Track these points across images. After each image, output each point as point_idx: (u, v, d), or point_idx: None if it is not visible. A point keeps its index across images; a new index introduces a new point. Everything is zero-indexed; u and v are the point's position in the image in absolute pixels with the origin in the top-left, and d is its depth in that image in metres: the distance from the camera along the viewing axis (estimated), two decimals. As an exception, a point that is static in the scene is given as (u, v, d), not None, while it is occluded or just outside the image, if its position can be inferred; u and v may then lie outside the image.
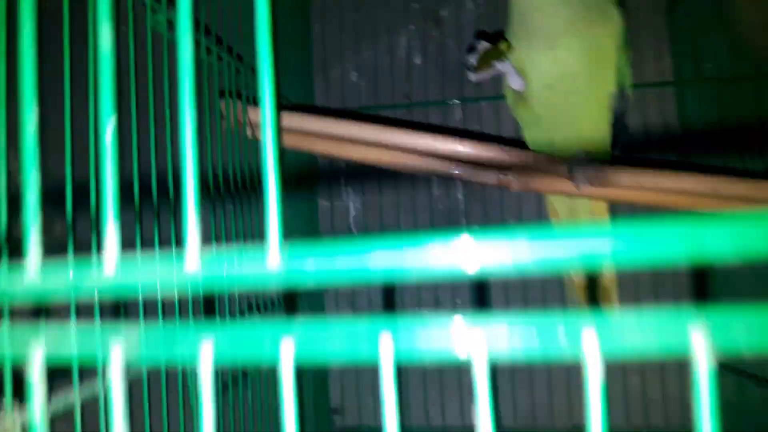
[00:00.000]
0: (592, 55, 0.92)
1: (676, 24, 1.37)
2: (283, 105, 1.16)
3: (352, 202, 1.51)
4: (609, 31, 0.92)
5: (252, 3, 0.23)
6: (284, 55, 1.27)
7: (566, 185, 0.94)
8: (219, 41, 0.85)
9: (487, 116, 1.46)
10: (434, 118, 1.49)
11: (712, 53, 1.21)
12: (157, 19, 0.65)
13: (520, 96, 0.99)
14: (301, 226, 1.30)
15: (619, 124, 1.00)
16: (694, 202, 0.92)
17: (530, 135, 1.05)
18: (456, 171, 0.95)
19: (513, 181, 0.95)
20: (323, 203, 1.51)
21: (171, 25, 0.66)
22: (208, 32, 0.83)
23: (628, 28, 0.97)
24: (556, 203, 1.10)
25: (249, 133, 0.95)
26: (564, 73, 0.93)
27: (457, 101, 1.47)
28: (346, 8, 1.52)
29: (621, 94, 0.98)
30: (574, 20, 0.90)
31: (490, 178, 0.95)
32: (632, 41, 1.37)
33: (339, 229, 1.50)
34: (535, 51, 0.93)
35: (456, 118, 1.49)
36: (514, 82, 0.97)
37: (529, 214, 1.40)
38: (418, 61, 1.51)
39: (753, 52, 1.11)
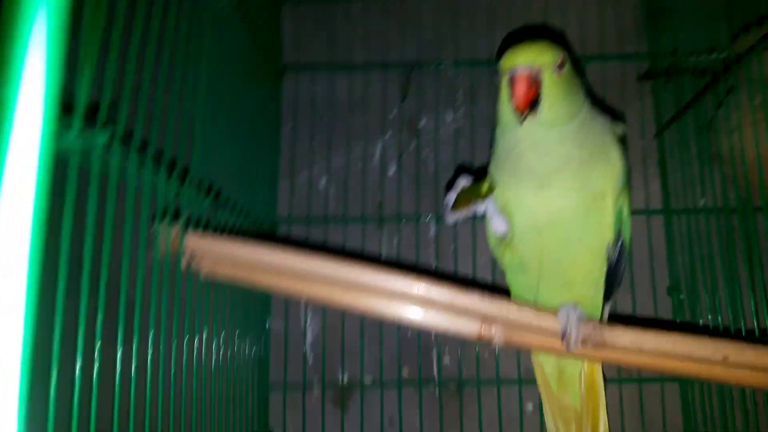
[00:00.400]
0: (587, 199, 0.82)
1: (664, 150, 1.31)
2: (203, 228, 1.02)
3: (310, 326, 1.36)
4: (608, 174, 0.82)
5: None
6: (249, 155, 1.14)
7: (556, 344, 0.81)
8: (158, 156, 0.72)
9: (462, 235, 1.35)
10: (407, 233, 1.37)
11: (701, 181, 1.13)
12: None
13: (504, 237, 0.88)
14: (249, 350, 1.13)
15: (613, 275, 0.88)
16: (699, 368, 0.81)
17: (515, 281, 0.93)
18: (428, 321, 0.82)
19: (495, 336, 0.82)
20: (276, 324, 1.35)
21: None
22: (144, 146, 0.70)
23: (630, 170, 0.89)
24: (543, 359, 0.97)
25: (186, 262, 0.80)
26: (555, 216, 0.82)
27: (431, 218, 1.36)
28: (320, 110, 1.42)
29: (617, 243, 0.87)
30: (569, 159, 0.80)
31: (468, 329, 0.82)
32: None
33: (292, 355, 1.33)
34: (524, 190, 0.82)
35: (429, 235, 1.37)
36: (496, 226, 0.86)
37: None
38: (392, 171, 1.41)
39: (739, 184, 1.05)
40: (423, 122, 1.42)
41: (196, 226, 0.84)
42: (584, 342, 0.79)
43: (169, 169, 0.72)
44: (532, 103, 0.75)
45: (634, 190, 1.33)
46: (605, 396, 0.95)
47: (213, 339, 0.91)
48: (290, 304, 1.34)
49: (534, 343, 0.83)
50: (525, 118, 0.76)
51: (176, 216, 0.77)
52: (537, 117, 0.76)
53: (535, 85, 0.75)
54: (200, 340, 0.84)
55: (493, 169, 0.88)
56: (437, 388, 1.31)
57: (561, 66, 0.77)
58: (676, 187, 1.25)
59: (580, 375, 0.94)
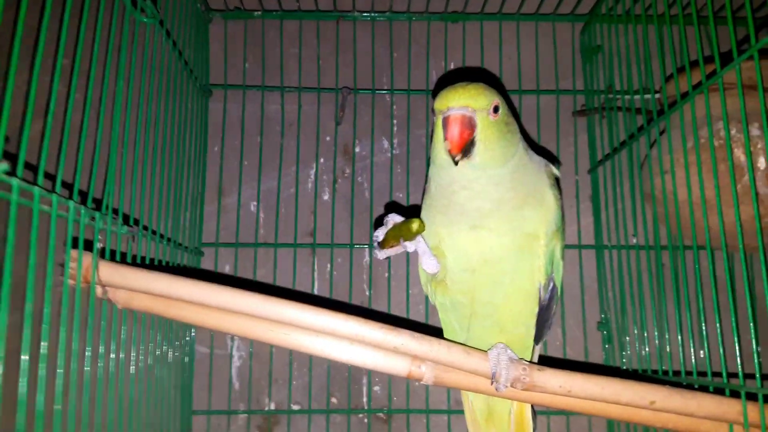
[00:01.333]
0: (520, 241, 0.81)
1: (597, 186, 1.32)
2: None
3: (237, 351, 1.30)
4: (541, 217, 0.82)
5: None
6: (173, 178, 1.09)
7: (486, 385, 0.79)
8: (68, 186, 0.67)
9: (397, 262, 1.33)
10: (340, 259, 1.33)
11: (633, 218, 1.15)
12: None
13: (435, 276, 0.86)
14: (170, 376, 1.08)
15: (544, 317, 0.88)
16: (626, 412, 0.81)
17: (446, 320, 0.92)
18: (358, 358, 0.79)
19: (425, 375, 0.80)
20: (201, 350, 1.29)
21: None
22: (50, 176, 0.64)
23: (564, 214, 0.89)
24: (472, 396, 0.95)
25: (99, 292, 0.74)
26: (488, 257, 0.82)
27: (364, 245, 1.33)
28: (250, 131, 1.37)
29: (549, 285, 0.86)
30: (502, 201, 0.79)
31: (398, 368, 0.80)
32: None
33: (218, 381, 1.27)
34: (456, 230, 0.81)
35: (363, 262, 1.34)
36: (427, 265, 0.83)
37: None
38: (326, 196, 1.37)
39: (670, 223, 1.07)
40: (358, 148, 1.39)
41: (112, 255, 0.78)
42: (514, 384, 0.77)
43: (81, 196, 0.66)
44: (467, 146, 0.74)
45: (567, 224, 1.34)
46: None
47: (131, 365, 0.87)
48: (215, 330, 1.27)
49: (464, 383, 0.82)
50: (458, 160, 0.75)
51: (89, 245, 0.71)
52: (471, 160, 0.75)
53: (469, 127, 0.74)
54: (116, 366, 0.79)
55: (426, 207, 0.86)
56: (366, 416, 1.27)
57: (495, 110, 0.76)
58: (609, 223, 1.26)
59: (510, 413, 0.93)
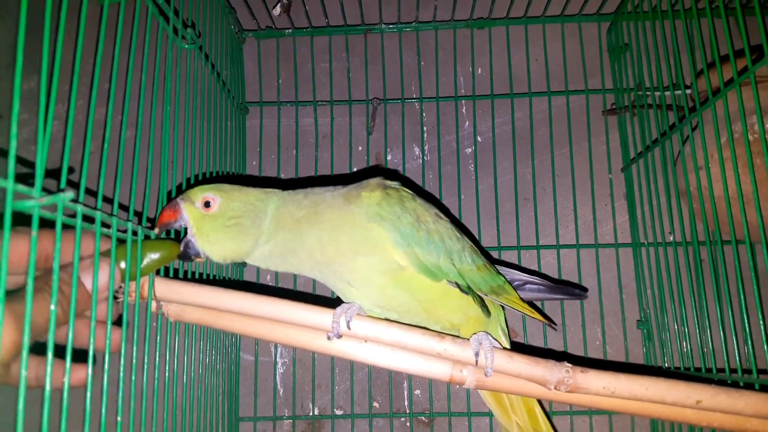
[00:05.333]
0: (390, 277, 0.82)
1: (631, 184, 1.32)
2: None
3: (281, 358, 1.34)
4: (382, 253, 0.81)
5: None
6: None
7: (527, 387, 0.81)
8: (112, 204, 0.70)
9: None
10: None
11: (669, 215, 1.15)
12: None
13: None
14: (218, 383, 1.12)
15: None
16: (671, 412, 0.81)
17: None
18: (400, 364, 0.81)
19: (467, 378, 0.82)
20: (246, 357, 1.33)
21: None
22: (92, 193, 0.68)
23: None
24: (492, 396, 0.97)
25: (154, 307, 0.78)
26: (379, 300, 0.84)
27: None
28: (286, 145, 1.41)
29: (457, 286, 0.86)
30: (339, 260, 0.81)
31: (440, 372, 0.81)
32: (585, 200, 1.33)
33: (263, 388, 1.31)
34: (343, 289, 0.84)
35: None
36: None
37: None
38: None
39: (707, 219, 1.06)
40: (390, 156, 1.41)
41: (165, 271, 0.82)
42: (558, 386, 0.78)
43: (137, 216, 0.70)
44: (187, 249, 0.80)
45: (603, 223, 1.34)
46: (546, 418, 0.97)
47: (183, 372, 0.91)
48: (260, 339, 1.31)
49: (506, 386, 0.82)
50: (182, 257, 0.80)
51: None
52: (202, 255, 0.80)
53: (173, 211, 0.79)
54: (170, 373, 0.83)
55: None
56: (408, 420, 1.29)
57: (207, 204, 0.79)
58: (644, 221, 1.26)
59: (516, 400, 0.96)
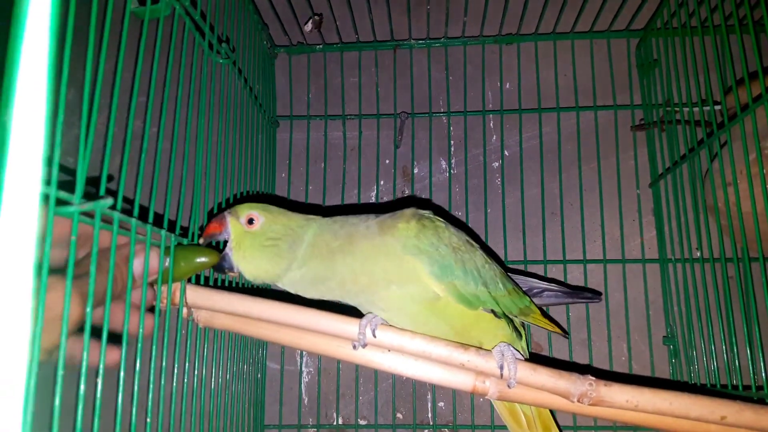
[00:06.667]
0: (426, 307, 0.82)
1: (659, 199, 1.32)
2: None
3: (306, 368, 1.35)
4: (419, 285, 0.81)
5: None
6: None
7: (549, 399, 0.81)
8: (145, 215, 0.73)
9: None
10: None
11: (697, 231, 1.14)
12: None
13: None
14: (245, 391, 1.14)
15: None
16: (695, 427, 0.81)
17: None
18: (424, 373, 0.82)
19: (490, 389, 0.82)
20: (272, 366, 1.35)
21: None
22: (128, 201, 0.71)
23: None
24: (509, 413, 0.98)
25: (185, 313, 0.81)
26: (411, 325, 0.83)
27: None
28: (315, 158, 1.44)
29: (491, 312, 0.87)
30: (372, 289, 0.81)
31: (463, 383, 0.82)
32: (612, 216, 1.32)
33: (288, 397, 1.33)
34: (381, 315, 0.84)
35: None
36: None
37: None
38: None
39: (735, 236, 1.05)
40: (417, 169, 1.43)
41: (196, 278, 0.85)
42: (581, 399, 0.78)
43: (170, 225, 0.73)
44: (223, 263, 0.82)
45: (630, 239, 1.34)
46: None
47: (212, 380, 0.94)
48: (287, 347, 1.33)
49: (528, 397, 0.83)
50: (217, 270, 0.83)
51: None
52: (236, 270, 0.82)
53: (220, 224, 0.82)
54: (199, 381, 0.85)
55: None
56: (432, 431, 1.30)
57: (251, 222, 0.82)
58: (672, 237, 1.25)
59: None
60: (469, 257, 0.84)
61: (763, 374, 0.93)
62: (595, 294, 1.13)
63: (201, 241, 0.82)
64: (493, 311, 0.86)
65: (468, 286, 0.82)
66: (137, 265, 0.66)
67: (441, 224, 0.85)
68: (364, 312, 0.86)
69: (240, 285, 1.10)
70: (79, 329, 0.54)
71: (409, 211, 0.86)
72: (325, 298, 0.85)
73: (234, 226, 0.82)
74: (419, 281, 0.81)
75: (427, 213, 0.87)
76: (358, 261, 0.80)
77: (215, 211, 0.98)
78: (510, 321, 0.90)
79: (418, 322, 0.83)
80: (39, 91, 0.28)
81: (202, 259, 0.75)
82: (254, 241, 0.81)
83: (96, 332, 0.56)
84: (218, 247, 0.83)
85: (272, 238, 0.81)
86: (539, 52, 1.41)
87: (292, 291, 0.85)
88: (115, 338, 0.61)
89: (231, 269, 0.82)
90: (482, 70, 1.44)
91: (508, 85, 1.44)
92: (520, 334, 0.92)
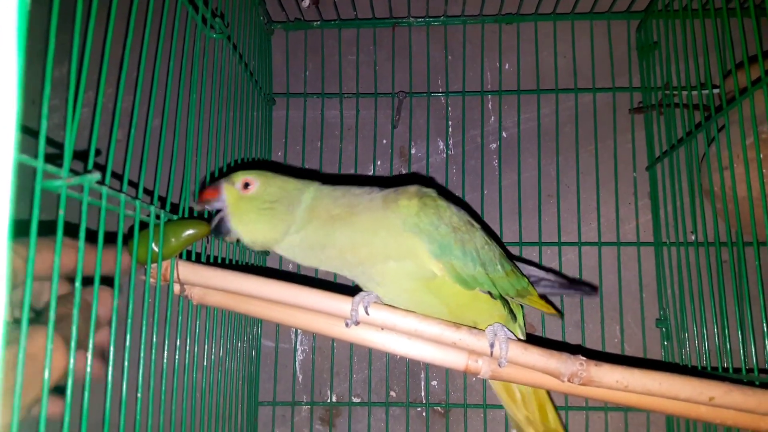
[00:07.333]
0: (419, 285, 0.83)
1: (655, 183, 1.31)
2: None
3: (300, 346, 1.36)
4: (415, 262, 0.82)
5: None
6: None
7: (541, 379, 0.81)
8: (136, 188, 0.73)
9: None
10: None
11: (692, 215, 1.14)
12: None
13: None
14: (239, 367, 1.15)
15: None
16: (684, 408, 0.81)
17: None
18: (416, 352, 0.83)
19: (482, 368, 0.83)
20: (267, 344, 1.36)
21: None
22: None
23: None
24: (505, 391, 0.98)
25: (177, 290, 0.81)
26: (407, 301, 0.84)
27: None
28: (311, 136, 1.43)
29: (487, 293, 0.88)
30: (370, 262, 0.81)
31: (455, 362, 0.83)
32: (608, 198, 1.32)
33: (282, 374, 1.34)
34: (373, 288, 0.84)
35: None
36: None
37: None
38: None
39: (730, 220, 1.05)
40: (414, 150, 1.42)
41: (188, 254, 0.85)
42: (571, 378, 0.79)
43: (161, 201, 0.72)
44: (220, 225, 0.81)
45: (626, 221, 1.34)
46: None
47: (204, 356, 0.94)
48: (281, 325, 1.34)
49: (520, 377, 0.83)
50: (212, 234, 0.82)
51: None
52: (233, 234, 0.82)
53: (214, 190, 0.82)
54: (191, 357, 0.85)
55: None
56: (425, 410, 1.31)
57: (246, 186, 0.82)
58: (667, 220, 1.25)
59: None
60: (468, 238, 0.84)
61: (754, 357, 0.93)
62: (592, 288, 1.13)
63: (196, 206, 0.82)
64: (489, 292, 0.86)
65: (466, 266, 0.82)
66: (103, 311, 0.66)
67: (443, 204, 0.85)
68: (360, 286, 0.86)
69: (234, 262, 1.10)
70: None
71: (412, 188, 0.85)
72: (322, 268, 0.86)
73: (229, 192, 0.81)
74: (417, 258, 0.81)
75: (430, 191, 0.87)
76: (358, 232, 0.81)
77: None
78: (506, 302, 0.90)
79: (413, 300, 0.83)
80: (8, 55, 0.27)
81: (191, 231, 0.75)
82: (251, 204, 0.81)
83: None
84: (209, 220, 0.83)
85: (269, 201, 0.81)
86: (539, 32, 1.40)
87: (291, 257, 0.85)
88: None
89: (228, 233, 0.81)
90: (481, 49, 1.43)
91: (507, 66, 1.43)
92: (514, 316, 0.93)
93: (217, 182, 0.82)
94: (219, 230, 0.81)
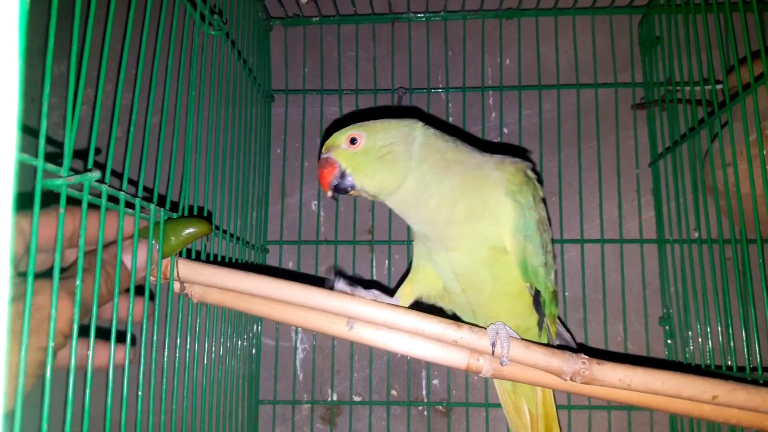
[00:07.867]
0: (485, 255, 0.84)
1: (658, 179, 1.30)
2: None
3: (301, 344, 1.36)
4: (500, 230, 0.83)
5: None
6: (240, 180, 1.15)
7: (543, 377, 0.81)
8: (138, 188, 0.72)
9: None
10: (397, 256, 1.37)
11: (695, 212, 1.13)
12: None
13: (431, 292, 0.94)
14: (239, 366, 1.14)
15: (539, 309, 0.92)
16: (687, 407, 0.81)
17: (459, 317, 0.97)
18: (417, 350, 0.82)
19: (484, 367, 0.82)
20: (267, 342, 1.35)
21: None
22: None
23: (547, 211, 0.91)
24: (506, 386, 0.99)
25: (177, 288, 0.80)
26: (461, 271, 0.87)
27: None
28: (311, 133, 1.42)
29: (532, 289, 0.89)
30: (454, 223, 0.82)
31: (457, 360, 0.82)
32: (611, 195, 1.31)
33: (283, 373, 1.33)
34: (435, 251, 0.87)
35: (422, 257, 1.37)
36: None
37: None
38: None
39: (733, 217, 1.05)
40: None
41: (188, 253, 0.84)
42: (573, 377, 0.78)
43: (160, 199, 0.72)
44: (338, 181, 0.82)
45: (629, 218, 1.33)
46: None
47: (204, 355, 0.94)
48: (281, 323, 1.33)
49: (522, 376, 0.83)
50: (331, 195, 0.83)
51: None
52: (355, 190, 0.82)
53: (329, 166, 0.82)
54: (191, 355, 0.85)
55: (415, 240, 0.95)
56: (426, 409, 1.30)
57: (353, 141, 0.81)
58: (670, 217, 1.25)
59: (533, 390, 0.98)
60: (546, 233, 0.87)
61: (758, 356, 0.93)
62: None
63: (329, 193, 0.83)
64: (535, 296, 0.88)
65: (537, 256, 0.85)
66: (127, 261, 0.66)
67: (540, 191, 0.88)
68: (424, 245, 0.89)
69: (234, 261, 1.10)
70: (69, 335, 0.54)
71: (522, 164, 0.87)
72: (417, 222, 0.86)
73: (339, 155, 0.82)
74: (500, 226, 0.83)
75: (534, 176, 0.89)
76: (465, 186, 0.82)
77: (207, 190, 0.97)
78: (541, 316, 0.92)
79: (471, 270, 0.85)
80: (10, 51, 0.27)
81: (191, 230, 0.75)
82: (368, 156, 0.81)
83: (84, 330, 0.55)
84: (209, 219, 0.82)
85: (384, 146, 0.81)
86: (540, 27, 1.39)
87: (399, 208, 0.86)
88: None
89: (353, 188, 0.82)
90: (482, 45, 1.42)
91: (508, 62, 1.42)
92: (540, 330, 0.94)
93: (323, 160, 0.82)
94: (342, 186, 0.82)
